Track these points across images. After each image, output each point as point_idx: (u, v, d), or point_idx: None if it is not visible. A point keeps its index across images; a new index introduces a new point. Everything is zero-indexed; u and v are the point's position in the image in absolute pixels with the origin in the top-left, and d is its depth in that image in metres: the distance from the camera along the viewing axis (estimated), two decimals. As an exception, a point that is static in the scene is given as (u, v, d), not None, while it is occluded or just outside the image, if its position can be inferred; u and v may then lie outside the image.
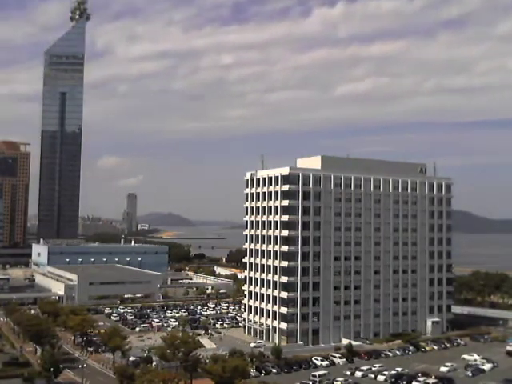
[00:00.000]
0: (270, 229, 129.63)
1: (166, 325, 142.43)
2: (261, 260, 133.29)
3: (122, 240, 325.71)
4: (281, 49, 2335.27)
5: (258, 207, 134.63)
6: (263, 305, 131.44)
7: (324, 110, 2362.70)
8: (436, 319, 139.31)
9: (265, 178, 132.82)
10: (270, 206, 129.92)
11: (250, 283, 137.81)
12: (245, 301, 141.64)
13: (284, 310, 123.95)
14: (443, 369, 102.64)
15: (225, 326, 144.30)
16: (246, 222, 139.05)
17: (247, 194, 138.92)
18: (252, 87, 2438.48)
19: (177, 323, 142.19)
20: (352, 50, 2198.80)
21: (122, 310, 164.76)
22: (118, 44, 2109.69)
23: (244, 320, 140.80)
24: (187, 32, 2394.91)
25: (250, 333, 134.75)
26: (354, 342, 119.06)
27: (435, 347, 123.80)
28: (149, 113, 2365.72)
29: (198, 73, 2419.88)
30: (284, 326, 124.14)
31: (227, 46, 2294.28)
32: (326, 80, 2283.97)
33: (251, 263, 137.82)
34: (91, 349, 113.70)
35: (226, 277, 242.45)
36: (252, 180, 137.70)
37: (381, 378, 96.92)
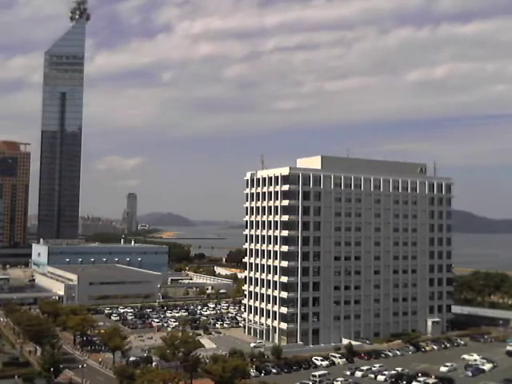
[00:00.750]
0: (270, 229, 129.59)
1: (166, 325, 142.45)
2: (261, 260, 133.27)
3: (122, 240, 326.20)
4: (363, 28, 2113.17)
5: (258, 207, 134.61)
6: (263, 305, 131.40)
7: (388, 99, 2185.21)
8: (436, 319, 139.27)
9: (265, 178, 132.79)
10: (270, 206, 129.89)
11: (250, 283, 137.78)
12: (245, 301, 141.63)
13: (284, 309, 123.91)
14: (443, 369, 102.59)
15: (225, 325, 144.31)
16: (246, 222, 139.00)
17: (247, 194, 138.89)
18: (315, 74, 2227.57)
19: (177, 323, 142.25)
20: (442, 30, 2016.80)
21: (122, 310, 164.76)
22: (179, 20, 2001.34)
23: (244, 320, 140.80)
24: (260, 7, 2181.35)
25: (250, 333, 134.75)
26: (354, 342, 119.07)
27: (435, 347, 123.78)
28: (180, 105, 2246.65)
29: (257, 57, 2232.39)
30: (284, 325, 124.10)
31: (302, 23, 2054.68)
32: (400, 65, 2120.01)
33: (251, 263, 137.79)
34: (90, 348, 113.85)
35: (226, 277, 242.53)
36: (252, 180, 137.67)
37: (381, 377, 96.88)
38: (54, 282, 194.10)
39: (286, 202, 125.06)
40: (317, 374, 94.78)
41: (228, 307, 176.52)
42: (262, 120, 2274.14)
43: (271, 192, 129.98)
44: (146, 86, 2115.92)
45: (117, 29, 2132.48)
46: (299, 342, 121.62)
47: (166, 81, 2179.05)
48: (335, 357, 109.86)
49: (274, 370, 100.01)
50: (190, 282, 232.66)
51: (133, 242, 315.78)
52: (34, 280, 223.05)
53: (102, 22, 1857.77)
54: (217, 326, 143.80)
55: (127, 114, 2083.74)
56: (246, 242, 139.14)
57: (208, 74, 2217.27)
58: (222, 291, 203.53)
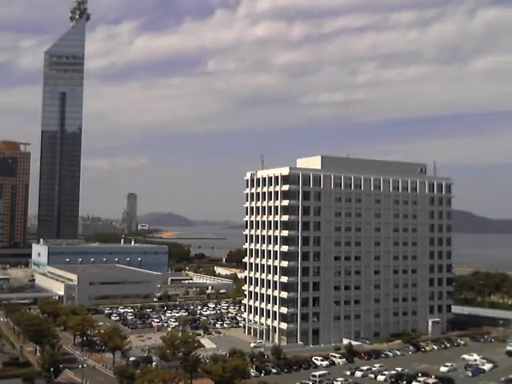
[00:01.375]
0: (270, 229, 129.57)
1: (165, 325, 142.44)
2: (261, 260, 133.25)
3: (122, 240, 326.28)
4: (451, 5, 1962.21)
5: (258, 207, 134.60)
6: (263, 305, 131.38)
7: (447, 90, 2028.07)
8: (436, 319, 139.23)
9: (265, 178, 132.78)
10: (270, 206, 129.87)
11: (250, 283, 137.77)
12: (245, 301, 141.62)
13: (284, 309, 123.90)
14: (443, 369, 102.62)
15: (225, 325, 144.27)
16: (246, 222, 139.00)
17: (247, 194, 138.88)
18: (376, 61, 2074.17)
19: (177, 323, 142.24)
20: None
21: (121, 310, 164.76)
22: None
23: (244, 320, 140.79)
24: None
25: (249, 333, 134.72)
26: (354, 342, 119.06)
27: (435, 347, 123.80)
28: (216, 97, 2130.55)
29: (317, 40, 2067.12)
30: (284, 325, 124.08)
31: (380, 0, 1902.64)
32: (475, 50, 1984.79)
33: (251, 263, 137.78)
34: (90, 348, 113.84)
35: (226, 277, 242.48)
36: (252, 180, 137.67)
37: (381, 377, 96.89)
38: (54, 282, 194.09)
39: (286, 202, 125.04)
40: (317, 374, 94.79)
41: (228, 307, 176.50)
42: (299, 114, 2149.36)
43: (271, 192, 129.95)
44: (185, 75, 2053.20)
45: (168, 8, 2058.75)
46: (299, 342, 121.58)
47: (208, 69, 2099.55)
48: (335, 357, 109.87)
49: (274, 370, 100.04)
50: (190, 282, 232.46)
51: (133, 242, 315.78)
52: (34, 280, 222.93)
53: (152, 1, 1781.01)
54: (217, 326, 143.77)
55: (144, 109, 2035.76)
56: (246, 242, 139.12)
57: (256, 61, 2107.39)
58: (222, 291, 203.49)
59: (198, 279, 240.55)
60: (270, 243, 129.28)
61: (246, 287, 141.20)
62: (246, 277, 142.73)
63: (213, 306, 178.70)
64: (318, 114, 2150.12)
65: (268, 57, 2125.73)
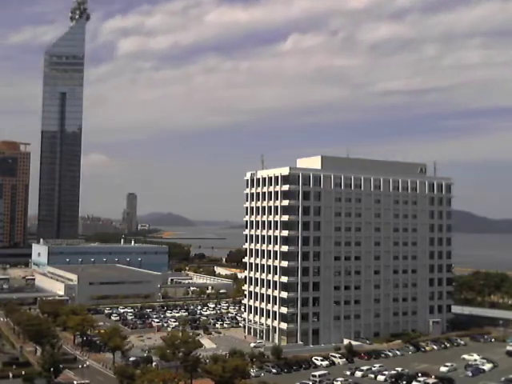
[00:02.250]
0: (270, 229, 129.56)
1: (166, 325, 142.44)
2: (261, 260, 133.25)
3: (122, 240, 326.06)
4: None
5: (258, 207, 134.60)
6: (263, 305, 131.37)
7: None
8: (436, 319, 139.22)
9: (265, 178, 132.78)
10: (270, 206, 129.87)
11: (250, 283, 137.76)
12: (245, 301, 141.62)
13: (284, 309, 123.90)
14: (443, 369, 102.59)
15: (225, 325, 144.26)
16: (246, 222, 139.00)
17: (247, 194, 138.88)
18: (481, 37, 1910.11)
19: (177, 323, 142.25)
20: None
21: (122, 310, 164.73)
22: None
23: (244, 320, 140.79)
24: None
25: (250, 333, 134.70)
26: (354, 342, 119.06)
27: (435, 347, 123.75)
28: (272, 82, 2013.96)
29: (421, 11, 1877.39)
30: (284, 325, 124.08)
31: None
32: None
33: (251, 263, 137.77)
34: (90, 348, 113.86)
35: (226, 277, 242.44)
36: (252, 180, 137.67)
37: (381, 377, 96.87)
38: (54, 282, 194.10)
39: (286, 202, 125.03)
40: (317, 374, 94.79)
41: (228, 307, 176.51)
42: (364, 103, 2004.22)
43: (271, 192, 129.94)
44: (256, 57, 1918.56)
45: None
46: (299, 342, 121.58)
47: (285, 48, 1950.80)
48: (335, 357, 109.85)
49: (273, 370, 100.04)
50: (190, 282, 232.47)
51: (133, 242, 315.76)
52: (32, 280, 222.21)
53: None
54: (217, 326, 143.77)
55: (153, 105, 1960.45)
56: (246, 241, 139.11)
57: (345, 37, 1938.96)
58: (222, 291, 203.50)
59: (198, 279, 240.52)
60: (270, 243, 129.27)
61: (245, 287, 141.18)
62: (245, 277, 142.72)
63: (213, 306, 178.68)
64: (387, 103, 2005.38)
65: (360, 33, 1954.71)
